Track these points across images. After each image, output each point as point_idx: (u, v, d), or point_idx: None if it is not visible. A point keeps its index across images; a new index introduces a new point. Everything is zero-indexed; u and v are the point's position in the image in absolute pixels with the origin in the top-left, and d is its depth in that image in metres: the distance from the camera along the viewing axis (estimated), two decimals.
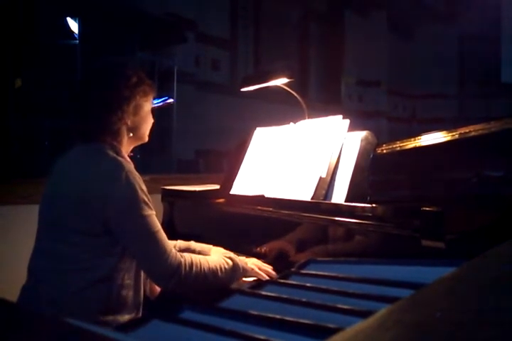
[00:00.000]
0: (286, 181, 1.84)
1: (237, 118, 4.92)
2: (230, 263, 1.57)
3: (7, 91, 3.19)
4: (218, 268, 1.52)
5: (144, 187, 1.45)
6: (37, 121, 3.32)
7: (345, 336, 0.40)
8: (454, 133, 1.51)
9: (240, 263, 1.60)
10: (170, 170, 4.36)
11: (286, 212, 1.72)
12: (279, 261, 1.73)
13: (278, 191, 1.84)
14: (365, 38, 8.11)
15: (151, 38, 4.14)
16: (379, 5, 8.32)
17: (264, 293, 0.67)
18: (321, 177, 1.71)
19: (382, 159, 1.64)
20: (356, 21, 8.21)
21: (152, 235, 1.41)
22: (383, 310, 0.45)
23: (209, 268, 1.50)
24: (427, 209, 1.26)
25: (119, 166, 1.42)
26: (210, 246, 1.84)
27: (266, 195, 1.87)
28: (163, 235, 1.45)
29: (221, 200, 2.08)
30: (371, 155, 1.63)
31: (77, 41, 3.42)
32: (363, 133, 1.71)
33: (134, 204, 1.40)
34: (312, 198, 1.69)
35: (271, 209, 1.79)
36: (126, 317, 1.46)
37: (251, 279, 1.72)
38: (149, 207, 1.44)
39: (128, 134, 1.55)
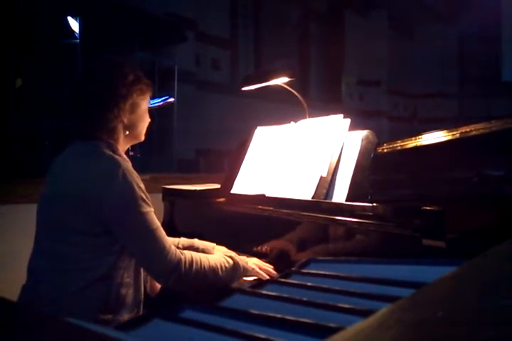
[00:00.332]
0: (287, 180, 1.84)
1: (237, 118, 4.92)
2: (231, 262, 1.57)
3: (7, 91, 3.19)
4: (219, 267, 1.52)
5: (141, 185, 1.45)
6: (37, 121, 3.32)
7: (346, 335, 0.40)
8: (454, 133, 1.51)
9: (240, 262, 1.59)
10: (170, 169, 4.36)
11: (287, 211, 1.72)
12: (279, 261, 1.73)
13: (279, 190, 1.84)
14: (366, 38, 8.11)
15: (151, 38, 4.14)
16: (379, 5, 8.32)
17: (264, 292, 0.67)
18: (321, 177, 1.71)
19: (382, 158, 1.64)
20: (356, 21, 8.21)
21: (151, 232, 1.41)
22: (384, 310, 0.45)
23: (209, 266, 1.50)
24: (428, 208, 1.25)
25: (116, 164, 1.42)
26: (214, 244, 1.83)
27: (267, 194, 1.86)
28: (162, 232, 1.44)
29: (222, 199, 2.08)
30: (372, 155, 1.63)
31: (78, 40, 3.42)
32: (363, 133, 1.71)
33: (132, 201, 1.40)
34: (313, 197, 1.69)
35: (271, 208, 1.79)
36: (126, 316, 1.46)
37: (252, 278, 1.72)
38: (148, 204, 1.44)
39: (124, 132, 1.55)
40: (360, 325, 0.41)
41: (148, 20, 3.96)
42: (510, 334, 0.38)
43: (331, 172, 1.70)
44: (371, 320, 0.42)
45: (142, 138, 1.65)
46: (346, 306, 0.56)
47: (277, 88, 2.36)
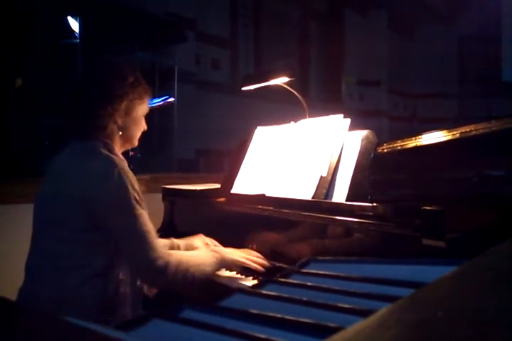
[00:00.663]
0: (287, 180, 1.84)
1: (237, 118, 4.92)
2: (218, 256, 1.60)
3: (7, 90, 3.19)
4: (206, 264, 1.55)
5: (136, 186, 1.46)
6: (37, 121, 3.32)
7: (346, 335, 0.40)
8: (454, 133, 1.50)
9: (227, 255, 1.63)
10: (170, 169, 4.36)
11: (287, 211, 1.72)
12: (279, 260, 1.73)
13: (279, 190, 1.84)
14: (366, 37, 8.10)
15: (151, 38, 4.14)
16: (379, 4, 8.31)
17: (264, 292, 0.67)
18: (321, 177, 1.71)
19: (382, 158, 1.64)
20: (356, 21, 8.20)
21: (142, 234, 1.42)
22: (384, 309, 0.45)
23: (195, 264, 1.51)
24: (428, 208, 1.26)
25: (112, 164, 1.44)
26: (201, 239, 1.89)
27: (267, 194, 1.87)
28: (153, 234, 1.46)
29: (222, 199, 2.09)
30: (372, 155, 1.63)
31: (78, 40, 3.41)
32: (363, 133, 1.71)
33: (126, 202, 1.42)
34: (313, 197, 1.69)
35: (271, 208, 1.79)
36: (125, 314, 1.47)
37: (251, 278, 1.73)
38: (141, 206, 1.46)
39: (117, 132, 1.56)
40: (360, 324, 0.41)
41: (148, 20, 3.96)
42: (510, 334, 0.38)
43: (331, 172, 1.70)
44: (371, 319, 0.42)
45: (135, 143, 1.67)
46: (346, 306, 0.56)
47: (277, 88, 2.36)
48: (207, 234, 2.11)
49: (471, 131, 1.47)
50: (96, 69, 1.61)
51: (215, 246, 1.86)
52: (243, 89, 2.45)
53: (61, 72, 3.42)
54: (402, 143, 1.64)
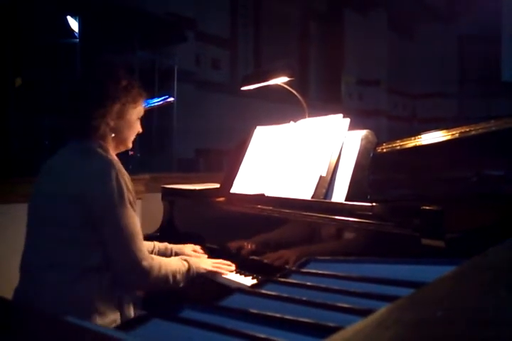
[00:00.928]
0: (287, 180, 1.84)
1: (237, 117, 4.92)
2: (186, 265, 1.65)
3: (7, 90, 3.19)
4: (177, 271, 1.60)
5: (130, 187, 1.51)
6: (37, 120, 3.32)
7: (345, 335, 0.40)
8: (454, 132, 1.51)
9: (193, 265, 1.67)
10: (170, 169, 4.35)
11: (287, 210, 1.72)
12: (278, 260, 1.73)
13: (278, 190, 1.84)
14: (365, 37, 8.10)
15: (151, 37, 4.13)
16: (379, 4, 8.31)
17: (264, 291, 0.67)
18: (321, 176, 1.71)
19: (382, 158, 1.64)
20: (356, 20, 8.20)
21: (131, 235, 1.47)
22: (383, 309, 0.45)
23: (171, 271, 1.57)
24: (427, 208, 1.26)
25: (110, 165, 1.47)
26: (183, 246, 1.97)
27: (266, 194, 1.87)
28: (140, 237, 1.51)
29: (221, 199, 2.09)
30: (371, 154, 1.63)
31: (78, 40, 3.41)
32: (363, 132, 1.71)
33: (120, 203, 1.45)
34: (312, 197, 1.69)
35: (271, 208, 1.79)
36: (124, 309, 1.51)
37: (250, 278, 1.73)
38: (133, 208, 1.50)
39: (110, 134, 1.60)
40: (359, 324, 0.41)
41: (148, 19, 3.95)
42: (510, 334, 0.38)
43: (331, 171, 1.70)
44: (370, 319, 0.43)
45: (129, 145, 1.71)
46: (345, 306, 0.56)
47: (277, 88, 2.36)
48: (206, 234, 2.12)
49: (470, 130, 1.47)
50: (91, 70, 1.66)
51: (196, 256, 1.92)
52: (243, 88, 2.45)
53: (61, 71, 3.42)
54: (401, 143, 1.64)
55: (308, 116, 2.19)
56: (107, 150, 1.56)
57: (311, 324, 0.52)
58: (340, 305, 0.56)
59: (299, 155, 1.85)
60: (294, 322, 0.53)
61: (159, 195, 2.42)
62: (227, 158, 3.09)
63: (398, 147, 1.64)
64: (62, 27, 3.43)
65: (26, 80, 3.34)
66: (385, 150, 1.66)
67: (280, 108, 4.37)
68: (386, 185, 1.71)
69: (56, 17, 3.45)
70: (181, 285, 1.61)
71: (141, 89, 1.66)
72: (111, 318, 1.45)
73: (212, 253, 1.96)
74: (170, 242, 2.00)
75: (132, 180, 1.56)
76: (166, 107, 3.93)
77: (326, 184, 1.69)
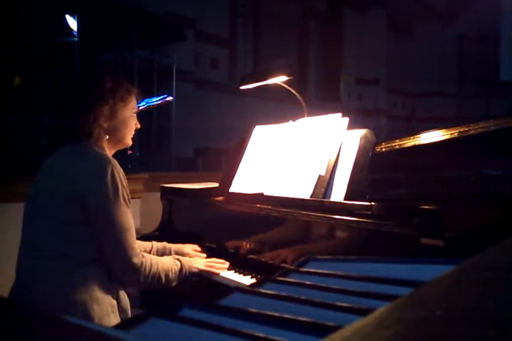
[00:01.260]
0: (286, 179, 1.84)
1: (236, 117, 4.92)
2: (179, 264, 1.66)
3: (6, 89, 3.18)
4: (170, 269, 1.61)
5: (125, 184, 1.53)
6: (36, 119, 3.31)
7: (344, 334, 0.40)
8: (453, 132, 1.51)
9: (186, 264, 1.68)
10: (169, 168, 4.35)
11: (286, 210, 1.72)
12: (277, 259, 1.73)
13: (277, 189, 1.84)
14: (365, 37, 8.10)
15: (150, 36, 4.13)
16: (378, 3, 8.30)
17: (263, 290, 0.67)
18: (320, 176, 1.71)
19: (381, 157, 1.64)
20: (355, 20, 8.20)
21: (124, 231, 1.49)
22: (382, 308, 0.45)
23: (163, 269, 1.59)
24: (426, 207, 1.26)
25: (106, 161, 1.50)
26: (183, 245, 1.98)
27: (265, 193, 1.87)
28: (133, 233, 1.53)
29: (220, 198, 2.08)
30: (370, 154, 1.63)
31: (76, 39, 3.40)
32: (362, 132, 1.71)
33: (115, 199, 1.48)
34: (311, 196, 1.69)
35: (270, 207, 1.79)
36: (120, 297, 1.53)
37: (249, 277, 1.73)
38: (127, 205, 1.52)
39: (104, 136, 1.63)
40: (358, 323, 0.41)
41: (147, 18, 3.95)
42: (510, 333, 0.38)
43: (330, 171, 1.70)
44: (369, 318, 0.43)
45: (128, 142, 1.73)
46: (345, 305, 0.56)
47: (276, 87, 2.36)
48: (205, 233, 2.12)
49: (469, 130, 1.47)
50: (75, 78, 1.70)
51: (195, 255, 1.93)
52: (242, 88, 2.45)
53: (59, 70, 3.41)
54: (400, 142, 1.64)
55: (307, 116, 2.19)
56: (103, 149, 1.60)
57: (310, 323, 0.52)
58: (339, 304, 0.56)
59: (297, 155, 1.85)
60: (293, 321, 0.53)
61: (158, 194, 2.42)
62: (226, 158, 3.09)
63: (397, 146, 1.64)
64: (60, 26, 3.42)
65: (25, 79, 3.34)
66: (384, 149, 1.66)
67: (279, 107, 4.37)
68: (385, 184, 1.71)
69: (55, 16, 3.45)
70: (174, 284, 1.63)
71: (130, 86, 1.68)
72: (108, 306, 1.47)
73: (211, 253, 1.96)
74: (169, 241, 2.00)
75: (131, 179, 1.58)
76: (164, 106, 3.92)
77: (325, 183, 1.69)
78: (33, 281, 1.47)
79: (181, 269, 1.65)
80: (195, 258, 1.81)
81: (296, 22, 7.49)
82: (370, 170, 1.60)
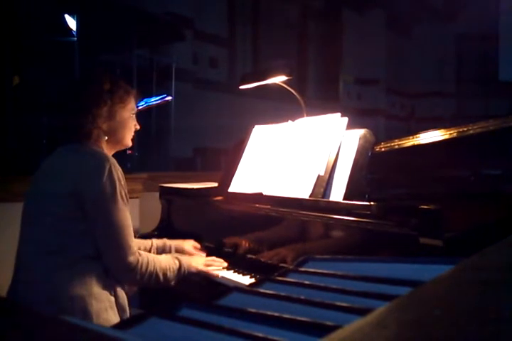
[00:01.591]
0: (285, 179, 1.84)
1: (235, 116, 4.91)
2: (177, 263, 1.66)
3: (5, 88, 3.18)
4: (168, 268, 1.61)
5: (123, 182, 1.54)
6: (35, 119, 3.31)
7: (344, 333, 0.40)
8: (452, 132, 1.51)
9: (184, 263, 1.68)
10: (168, 167, 4.35)
11: (285, 209, 1.72)
12: (276, 259, 1.73)
13: (276, 189, 1.84)
14: (364, 36, 8.10)
15: (149, 36, 4.12)
16: (377, 3, 8.30)
17: (262, 290, 0.67)
18: (319, 175, 1.71)
19: (380, 157, 1.64)
20: (354, 19, 8.19)
21: (120, 228, 1.49)
22: (381, 308, 0.45)
23: (161, 268, 1.59)
24: (425, 207, 1.26)
25: (104, 159, 1.51)
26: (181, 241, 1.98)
27: (264, 193, 1.87)
28: (130, 231, 1.53)
29: (219, 198, 2.08)
30: (369, 154, 1.63)
31: (75, 38, 3.40)
32: (361, 132, 1.71)
33: (112, 196, 1.48)
34: (310, 196, 1.69)
35: (269, 207, 1.79)
36: (118, 293, 1.53)
37: (248, 277, 1.73)
38: (124, 203, 1.53)
39: (103, 137, 1.64)
40: (357, 323, 0.41)
41: (146, 18, 3.94)
42: (508, 333, 0.38)
43: (329, 171, 1.70)
44: (369, 318, 0.43)
45: (128, 143, 1.74)
46: (344, 305, 0.56)
47: (275, 86, 2.36)
48: (203, 233, 2.11)
49: (468, 130, 1.47)
50: (72, 81, 1.71)
51: (198, 254, 1.93)
52: (241, 87, 2.45)
53: (58, 70, 3.41)
54: (399, 142, 1.65)
55: (306, 115, 2.19)
56: (102, 150, 1.61)
57: (309, 323, 0.52)
58: (338, 304, 0.56)
59: (297, 155, 1.85)
60: (292, 321, 0.53)
61: (157, 194, 2.42)
62: (225, 157, 3.09)
63: (396, 146, 1.64)
64: (60, 25, 3.42)
65: (24, 78, 3.33)
66: (383, 149, 1.67)
67: (278, 107, 4.36)
68: (384, 184, 1.71)
69: (54, 15, 3.44)
70: (172, 283, 1.63)
71: (128, 87, 1.69)
72: (106, 302, 1.48)
73: (210, 252, 1.96)
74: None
75: (130, 178, 1.58)
76: (163, 106, 3.92)
77: (324, 183, 1.69)
78: (31, 277, 1.48)
79: (180, 268, 1.65)
80: (195, 258, 1.81)
81: (296, 22, 7.49)
82: (369, 170, 1.60)
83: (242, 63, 6.44)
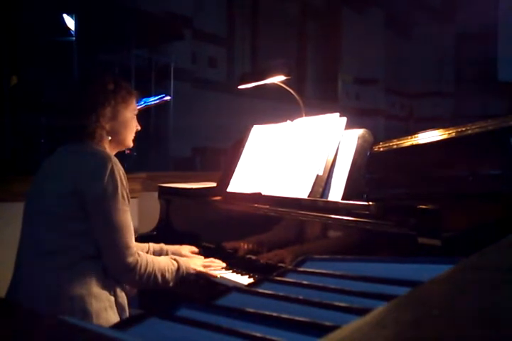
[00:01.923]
0: (283, 179, 1.84)
1: (234, 116, 4.91)
2: (176, 264, 1.66)
3: (3, 88, 3.17)
4: (166, 269, 1.61)
5: (125, 182, 1.54)
6: (33, 119, 3.31)
7: (342, 334, 0.40)
8: (450, 132, 1.51)
9: (183, 264, 1.68)
10: (167, 167, 4.35)
11: (283, 209, 1.72)
12: (275, 259, 1.73)
13: (275, 189, 1.84)
14: (363, 36, 8.10)
15: (147, 35, 4.12)
16: (376, 2, 8.31)
17: (260, 290, 0.67)
18: (317, 175, 1.71)
19: (379, 157, 1.64)
20: (353, 19, 8.19)
21: (120, 229, 1.49)
22: (380, 308, 0.45)
23: (159, 269, 1.59)
24: (424, 207, 1.26)
25: (106, 159, 1.52)
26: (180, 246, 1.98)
27: (263, 193, 1.87)
28: (131, 232, 1.53)
29: (218, 198, 2.08)
30: (368, 153, 1.63)
31: (74, 38, 3.40)
32: (360, 131, 1.71)
33: (113, 196, 1.49)
34: (309, 196, 1.69)
35: (268, 206, 1.79)
36: (118, 293, 1.53)
37: (247, 277, 1.73)
38: (125, 203, 1.53)
39: (107, 137, 1.65)
40: (356, 323, 0.41)
41: (145, 17, 3.94)
42: (507, 333, 0.38)
43: (327, 170, 1.70)
44: (367, 318, 0.43)
45: (129, 144, 1.75)
46: (342, 305, 0.56)
47: (274, 86, 2.36)
48: (202, 233, 2.11)
49: (467, 130, 1.47)
50: (76, 81, 1.72)
51: (192, 257, 1.92)
52: (240, 87, 2.45)
53: (57, 69, 3.40)
54: (398, 142, 1.65)
55: (305, 115, 2.19)
56: (105, 149, 1.61)
57: (308, 323, 0.52)
58: (336, 304, 0.56)
59: (295, 154, 1.86)
60: (290, 321, 0.53)
61: (156, 194, 2.42)
62: (224, 157, 3.09)
63: (395, 146, 1.64)
64: (58, 25, 3.41)
65: (22, 78, 3.33)
66: (381, 149, 1.67)
67: (277, 106, 4.37)
68: (383, 184, 1.71)
69: (52, 15, 3.44)
70: (171, 284, 1.63)
71: (130, 88, 1.71)
72: (105, 301, 1.48)
73: (208, 252, 1.96)
74: (166, 241, 2.00)
75: (129, 178, 1.58)
76: (162, 106, 3.92)
77: (323, 183, 1.69)
78: (31, 277, 1.48)
79: (178, 269, 1.65)
80: (193, 259, 1.81)
81: (294, 21, 7.48)
82: (368, 170, 1.60)
83: (241, 62, 6.44)
